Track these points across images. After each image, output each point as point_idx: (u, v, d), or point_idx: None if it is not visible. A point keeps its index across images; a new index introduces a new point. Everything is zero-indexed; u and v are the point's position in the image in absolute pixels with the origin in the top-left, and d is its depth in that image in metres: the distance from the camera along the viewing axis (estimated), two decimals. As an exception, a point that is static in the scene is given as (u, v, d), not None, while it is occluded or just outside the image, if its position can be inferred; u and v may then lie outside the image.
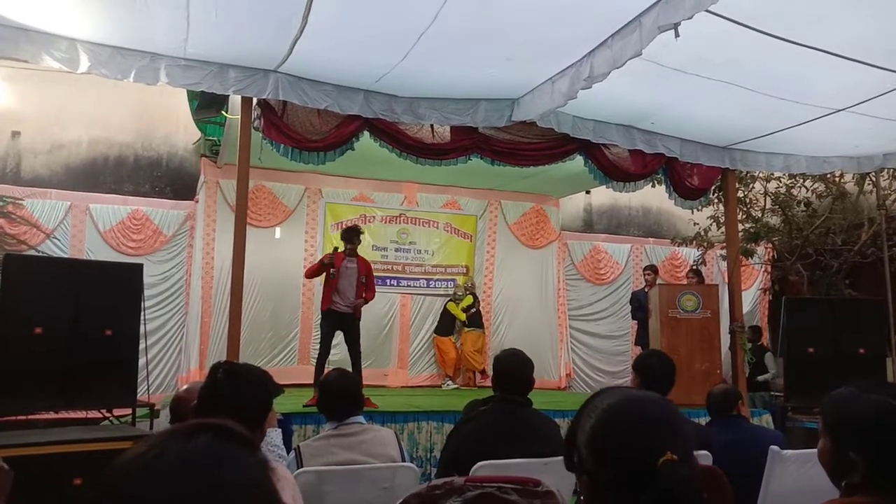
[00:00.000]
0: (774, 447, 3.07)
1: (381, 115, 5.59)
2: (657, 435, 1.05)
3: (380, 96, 5.55)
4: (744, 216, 9.72)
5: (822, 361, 6.90)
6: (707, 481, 2.06)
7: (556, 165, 7.02)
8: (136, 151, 9.46)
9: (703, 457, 2.92)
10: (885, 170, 8.13)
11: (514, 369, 3.10)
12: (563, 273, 10.81)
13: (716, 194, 8.03)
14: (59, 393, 5.24)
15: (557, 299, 10.67)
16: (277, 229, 9.18)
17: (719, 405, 3.58)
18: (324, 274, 6.56)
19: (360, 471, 2.83)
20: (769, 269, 11.03)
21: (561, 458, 3.13)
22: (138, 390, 5.77)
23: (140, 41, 4.78)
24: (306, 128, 5.75)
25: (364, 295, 6.58)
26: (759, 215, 10.05)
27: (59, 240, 8.44)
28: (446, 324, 9.70)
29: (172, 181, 9.54)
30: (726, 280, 7.85)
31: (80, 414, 5.68)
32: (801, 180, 9.62)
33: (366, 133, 5.92)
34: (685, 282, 9.67)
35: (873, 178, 9.28)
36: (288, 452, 3.06)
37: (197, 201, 9.03)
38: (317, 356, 6.42)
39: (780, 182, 9.88)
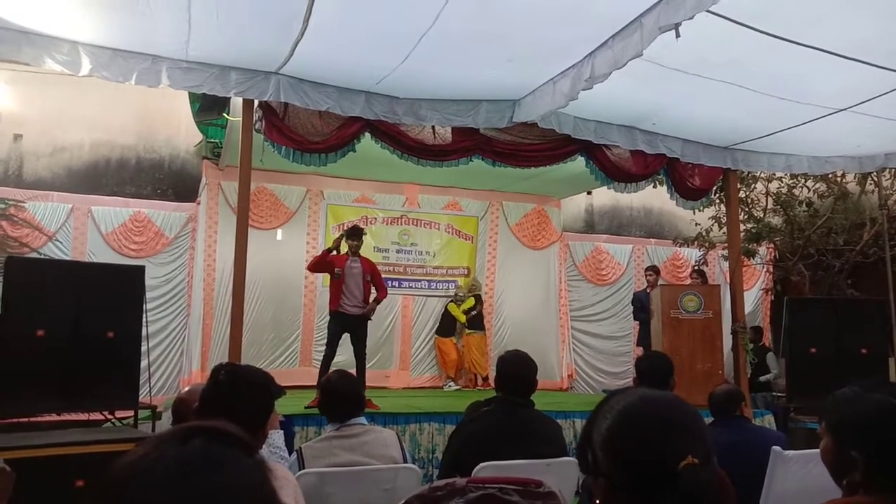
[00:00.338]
0: (776, 448, 3.07)
1: (383, 117, 5.59)
2: (676, 437, 1.02)
3: (381, 98, 5.55)
4: (745, 216, 9.71)
5: (825, 362, 6.89)
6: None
7: (558, 166, 7.02)
8: (137, 154, 9.47)
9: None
10: (887, 169, 8.11)
11: (517, 370, 3.10)
12: (565, 274, 10.81)
13: (717, 195, 8.02)
14: (60, 395, 5.24)
15: (559, 300, 10.67)
16: (279, 231, 9.19)
17: (723, 405, 3.57)
18: (328, 275, 6.56)
19: (362, 472, 2.83)
20: (771, 269, 11.02)
21: (563, 458, 3.13)
22: (140, 392, 5.77)
23: (141, 44, 4.78)
24: (308, 129, 5.76)
25: (377, 295, 6.61)
26: (761, 215, 10.04)
27: (60, 242, 8.44)
28: (447, 325, 9.70)
29: (174, 183, 9.55)
30: (728, 280, 7.85)
31: (82, 416, 5.67)
32: (803, 180, 9.61)
33: (367, 134, 5.92)
34: (687, 282, 9.68)
35: (875, 178, 9.26)
36: (290, 454, 3.06)
37: (199, 203, 9.03)
38: (322, 357, 6.41)
39: (782, 182, 9.87)
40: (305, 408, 5.65)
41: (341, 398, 3.03)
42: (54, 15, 4.38)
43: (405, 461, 2.97)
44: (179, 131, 9.52)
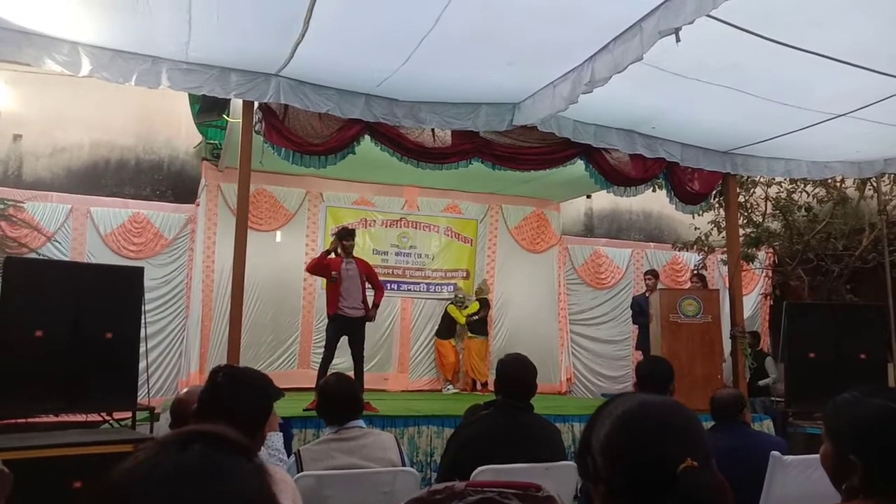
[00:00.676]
0: (775, 453, 3.06)
1: (383, 119, 5.60)
2: (675, 441, 1.03)
3: (381, 100, 5.55)
4: (745, 221, 9.72)
5: (823, 366, 6.89)
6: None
7: (557, 170, 7.03)
8: (137, 155, 9.47)
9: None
10: (886, 175, 8.13)
11: (517, 374, 3.10)
12: (564, 277, 10.81)
13: (717, 199, 8.03)
14: (59, 396, 5.23)
15: (558, 304, 10.66)
16: (278, 233, 9.19)
17: (726, 410, 3.52)
18: (325, 279, 6.55)
19: (361, 475, 2.82)
20: (770, 273, 11.03)
21: (562, 462, 3.13)
22: (138, 393, 5.76)
23: (142, 45, 4.79)
24: (307, 131, 5.76)
25: (375, 296, 6.60)
26: (760, 220, 10.06)
27: (59, 243, 8.44)
28: (446, 327, 9.68)
29: (173, 184, 9.55)
30: (727, 285, 7.85)
31: (81, 417, 5.67)
32: (802, 185, 9.62)
33: (367, 137, 5.92)
34: (687, 286, 9.68)
35: (874, 183, 9.28)
36: (288, 456, 3.06)
37: (198, 205, 9.03)
38: (320, 360, 6.40)
39: (781, 187, 9.88)
40: (304, 410, 5.64)
41: (339, 401, 3.02)
42: (55, 15, 4.38)
43: (403, 464, 2.97)
44: (179, 132, 9.52)
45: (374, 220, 9.81)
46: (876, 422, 1.47)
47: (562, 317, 10.66)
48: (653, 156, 6.43)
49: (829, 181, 9.30)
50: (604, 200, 11.27)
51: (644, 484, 1.01)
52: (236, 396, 2.10)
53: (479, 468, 2.69)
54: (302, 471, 2.75)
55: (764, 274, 11.16)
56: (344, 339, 6.45)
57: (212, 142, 8.74)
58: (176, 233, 9.03)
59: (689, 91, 5.09)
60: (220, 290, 8.54)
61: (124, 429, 5.57)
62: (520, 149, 6.42)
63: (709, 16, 3.63)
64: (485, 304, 9.68)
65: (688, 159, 6.58)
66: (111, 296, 5.56)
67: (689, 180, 7.14)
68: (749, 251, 9.60)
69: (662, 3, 3.76)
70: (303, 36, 4.48)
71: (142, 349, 5.78)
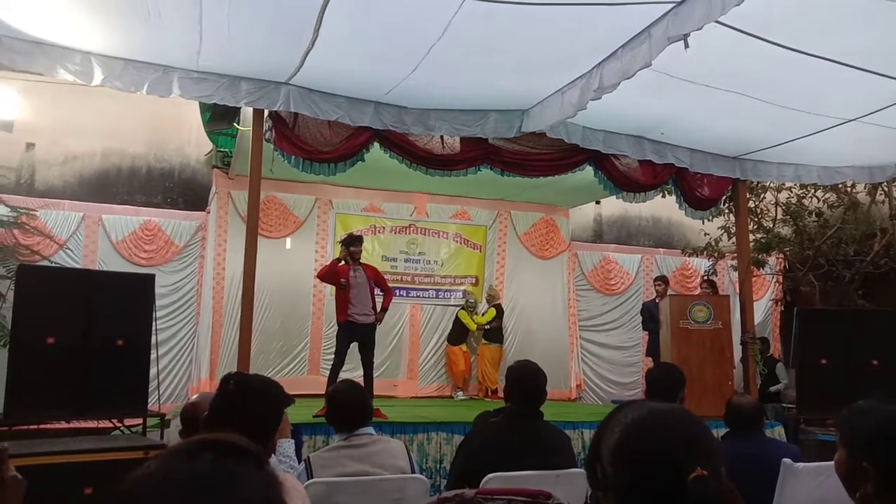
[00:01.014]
0: (787, 460, 3.04)
1: (392, 127, 5.62)
2: (685, 449, 1.02)
3: (390, 108, 5.58)
4: (755, 226, 9.67)
5: (835, 373, 6.82)
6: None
7: (566, 176, 7.03)
8: (148, 163, 9.54)
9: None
10: (898, 180, 8.08)
11: (527, 381, 3.09)
12: (574, 283, 10.78)
13: (726, 204, 8.00)
14: (70, 403, 5.26)
15: (568, 310, 10.64)
16: (288, 240, 9.22)
17: (749, 419, 3.41)
18: (334, 286, 6.56)
19: (371, 482, 2.83)
20: (781, 279, 10.96)
21: (572, 470, 3.11)
22: (149, 400, 5.78)
23: (153, 54, 4.83)
24: (317, 139, 5.79)
25: (384, 300, 6.61)
26: (771, 226, 10.00)
27: (71, 250, 8.50)
28: (457, 333, 9.66)
29: (184, 192, 9.61)
30: (737, 291, 7.81)
31: (92, 424, 5.70)
32: (813, 190, 9.57)
33: (376, 144, 5.95)
34: (697, 292, 9.63)
35: (885, 188, 9.22)
36: (298, 463, 3.06)
37: (208, 212, 9.08)
38: (330, 367, 6.41)
39: (792, 192, 9.83)
40: (314, 417, 5.64)
41: (349, 409, 3.03)
42: (67, 26, 4.43)
43: (413, 471, 2.97)
44: (190, 141, 9.58)
45: (384, 227, 9.82)
46: (890, 429, 1.46)
47: (571, 323, 10.63)
48: (662, 161, 6.42)
49: (840, 186, 9.25)
50: (613, 206, 11.24)
51: (653, 493, 1.01)
52: (247, 404, 2.11)
53: (489, 475, 2.68)
54: (312, 478, 2.76)
55: (774, 280, 11.09)
56: (354, 346, 6.46)
57: (222, 150, 8.80)
58: (187, 240, 9.07)
59: (698, 97, 5.09)
60: (231, 297, 8.57)
61: (135, 435, 5.58)
62: (528, 155, 6.42)
63: (717, 22, 3.62)
64: (500, 311, 9.66)
65: (697, 165, 6.56)
66: (122, 303, 5.59)
67: (698, 186, 7.12)
68: (759, 257, 9.56)
69: (671, 10, 3.76)
70: (312, 44, 4.51)
71: (153, 356, 5.80)
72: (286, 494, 0.77)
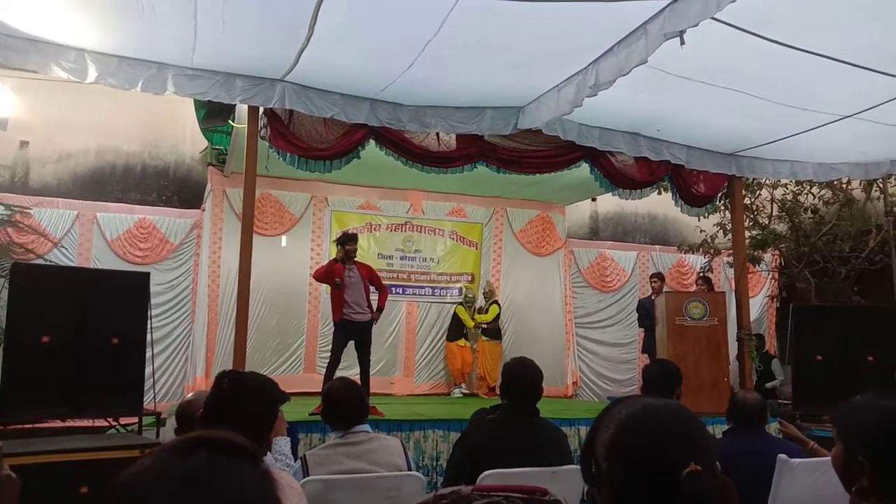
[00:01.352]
0: (782, 456, 3.04)
1: (387, 124, 5.61)
2: (679, 444, 1.03)
3: (386, 105, 5.56)
4: (750, 223, 9.69)
5: (831, 369, 6.84)
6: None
7: (562, 173, 7.03)
8: (143, 160, 9.51)
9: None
10: (893, 176, 8.09)
11: (523, 377, 3.10)
12: (570, 280, 10.80)
13: (722, 201, 8.01)
14: (65, 401, 5.24)
15: (564, 307, 10.65)
16: (283, 237, 9.21)
17: (755, 417, 3.36)
18: (329, 285, 6.56)
19: (367, 480, 2.82)
20: (776, 276, 10.99)
21: (568, 467, 3.12)
22: (144, 399, 5.77)
23: (147, 51, 4.81)
24: (312, 136, 5.78)
25: (379, 299, 6.62)
26: (766, 222, 10.03)
27: (66, 249, 8.47)
28: (454, 329, 9.65)
29: (179, 190, 9.59)
30: (733, 287, 7.83)
31: (87, 422, 5.68)
32: (808, 187, 9.59)
33: (372, 141, 5.94)
34: (693, 289, 9.65)
35: (881, 185, 9.25)
36: (294, 461, 3.06)
37: (204, 210, 9.06)
38: (326, 366, 6.41)
39: (787, 189, 9.85)
40: (310, 415, 5.64)
41: (345, 406, 3.02)
42: (61, 23, 4.41)
43: (409, 468, 2.96)
44: (184, 138, 9.56)
45: (380, 225, 9.82)
46: (885, 423, 1.46)
47: (567, 320, 10.65)
48: (658, 158, 6.42)
49: (836, 183, 9.27)
50: (609, 203, 11.25)
51: (647, 488, 1.01)
52: (242, 402, 2.10)
53: (486, 472, 2.68)
54: (308, 475, 2.75)
55: (770, 276, 11.12)
56: (350, 344, 6.46)
57: (217, 147, 8.79)
58: (182, 238, 9.05)
59: (693, 93, 5.09)
60: (226, 295, 8.56)
61: (130, 434, 5.57)
62: (524, 152, 6.42)
63: (713, 18, 3.62)
64: (499, 307, 9.69)
65: (693, 162, 6.57)
66: (117, 301, 5.57)
67: (694, 183, 7.13)
68: (755, 253, 9.58)
69: (667, 6, 3.76)
70: (308, 41, 4.50)
71: (148, 354, 5.78)
72: (281, 492, 0.77)
